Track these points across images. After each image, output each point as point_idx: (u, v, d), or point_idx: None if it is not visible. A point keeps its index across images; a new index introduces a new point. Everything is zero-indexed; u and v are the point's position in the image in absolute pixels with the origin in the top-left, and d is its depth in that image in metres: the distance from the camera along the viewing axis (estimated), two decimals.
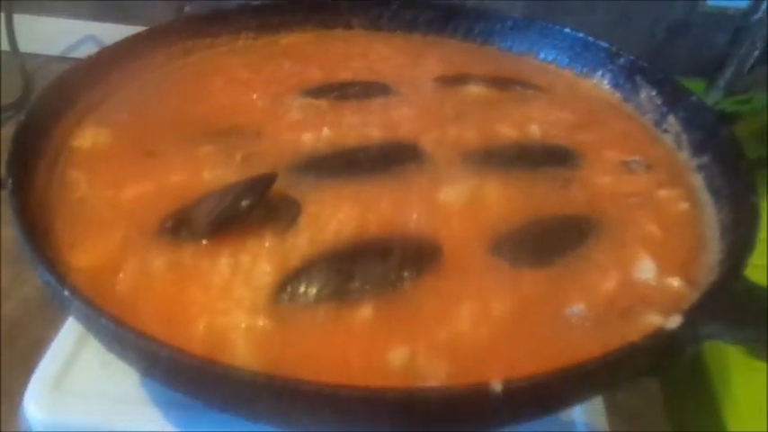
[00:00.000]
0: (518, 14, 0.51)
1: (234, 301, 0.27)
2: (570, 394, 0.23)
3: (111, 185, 0.32)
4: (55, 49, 0.76)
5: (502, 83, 0.44)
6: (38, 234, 0.27)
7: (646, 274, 0.29)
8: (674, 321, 0.24)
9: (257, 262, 0.29)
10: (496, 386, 0.20)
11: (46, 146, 0.33)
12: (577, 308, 0.27)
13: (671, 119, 0.39)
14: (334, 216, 0.31)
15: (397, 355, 0.25)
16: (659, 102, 0.40)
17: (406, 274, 0.28)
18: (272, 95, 0.41)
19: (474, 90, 0.43)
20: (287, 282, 0.28)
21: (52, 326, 0.40)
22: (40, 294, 0.46)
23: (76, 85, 0.37)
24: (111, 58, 0.41)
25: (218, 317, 0.26)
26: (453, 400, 0.20)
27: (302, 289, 0.27)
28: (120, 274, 0.27)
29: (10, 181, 0.27)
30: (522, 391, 0.21)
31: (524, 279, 0.29)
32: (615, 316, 0.27)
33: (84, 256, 0.28)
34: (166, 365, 0.21)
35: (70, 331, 0.35)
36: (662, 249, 0.31)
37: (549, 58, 0.47)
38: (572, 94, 0.44)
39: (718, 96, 0.60)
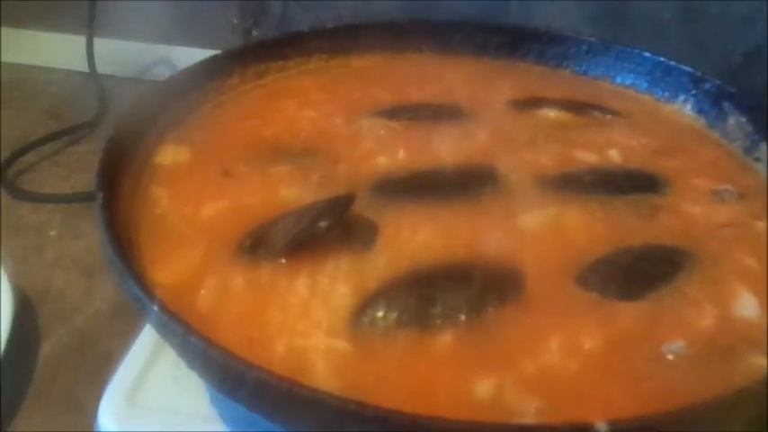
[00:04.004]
0: (585, 37, 0.49)
1: (312, 322, 0.26)
2: None
3: (190, 202, 0.33)
4: (129, 71, 0.79)
5: (578, 107, 0.43)
6: (123, 248, 0.27)
7: (747, 312, 0.27)
8: None
9: (335, 283, 0.28)
10: (601, 428, 0.19)
11: (131, 162, 0.34)
12: (676, 345, 0.25)
13: (763, 147, 0.37)
14: (412, 239, 0.31)
15: (483, 387, 0.24)
16: (750, 129, 0.38)
17: (488, 301, 0.27)
18: (345, 116, 0.41)
19: (549, 114, 0.42)
20: (366, 305, 0.27)
21: (121, 339, 0.41)
22: (110, 308, 0.47)
23: (159, 104, 0.38)
24: (190, 79, 0.41)
25: (298, 338, 0.26)
26: None
27: (382, 313, 0.27)
28: (202, 291, 0.27)
29: (100, 195, 0.28)
30: None
31: (615, 312, 0.27)
32: (716, 355, 0.25)
33: (166, 271, 0.28)
34: (252, 387, 0.21)
35: (143, 345, 0.35)
36: (762, 285, 0.29)
37: (627, 82, 0.46)
38: (653, 120, 0.42)
39: None
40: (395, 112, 0.41)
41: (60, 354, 0.44)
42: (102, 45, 0.75)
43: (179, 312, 0.24)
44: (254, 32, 0.76)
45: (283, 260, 0.29)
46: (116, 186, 0.31)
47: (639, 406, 0.22)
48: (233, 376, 0.21)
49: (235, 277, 0.28)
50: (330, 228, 0.29)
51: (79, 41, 0.74)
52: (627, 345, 0.25)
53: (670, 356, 0.25)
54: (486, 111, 0.43)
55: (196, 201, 0.33)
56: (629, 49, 0.46)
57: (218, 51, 0.46)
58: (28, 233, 0.54)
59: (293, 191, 0.34)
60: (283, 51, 0.47)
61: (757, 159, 0.37)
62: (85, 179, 0.61)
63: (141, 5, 0.76)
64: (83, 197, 0.57)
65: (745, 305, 0.27)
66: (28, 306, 0.47)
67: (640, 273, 0.29)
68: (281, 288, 0.28)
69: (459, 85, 0.46)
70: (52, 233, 0.55)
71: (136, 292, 0.24)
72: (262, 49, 0.47)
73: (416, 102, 0.43)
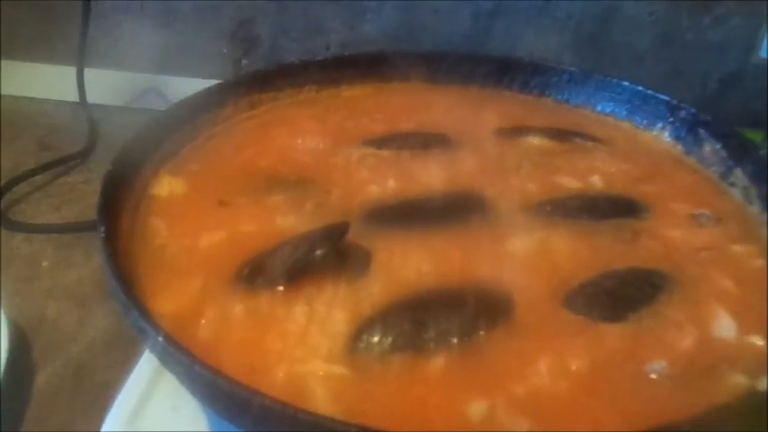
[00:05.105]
0: (566, 66, 0.51)
1: (311, 349, 0.27)
2: None
3: (188, 233, 0.34)
4: (119, 100, 0.80)
5: (561, 135, 0.45)
6: (125, 280, 0.28)
7: (725, 332, 0.29)
8: (765, 382, 0.23)
9: (331, 310, 0.29)
10: None
11: (128, 195, 0.35)
12: (658, 365, 0.26)
13: (738, 173, 0.39)
14: (404, 265, 0.32)
15: (476, 409, 0.25)
16: (725, 155, 0.40)
17: (479, 325, 0.28)
18: (336, 146, 0.42)
19: (534, 142, 0.44)
20: (362, 331, 0.28)
21: (117, 369, 0.41)
22: (105, 338, 0.47)
23: (155, 136, 0.39)
24: (185, 111, 0.42)
25: (297, 364, 0.26)
26: None
27: (377, 338, 0.28)
28: (203, 321, 0.28)
29: (102, 229, 0.29)
30: None
31: (600, 334, 0.28)
32: (697, 375, 0.27)
33: (167, 302, 0.29)
34: (257, 413, 0.21)
35: (141, 375, 0.35)
36: (739, 306, 0.30)
37: (607, 110, 0.47)
38: (632, 146, 0.44)
39: None
40: (385, 142, 0.43)
41: (56, 385, 0.44)
42: (92, 75, 0.76)
43: (181, 342, 0.25)
44: (244, 62, 0.78)
45: (281, 288, 0.30)
46: (115, 219, 0.32)
47: (625, 425, 0.23)
48: (238, 403, 0.22)
49: (234, 306, 0.29)
50: (326, 256, 0.30)
51: (69, 72, 0.75)
52: (612, 365, 0.27)
53: (653, 376, 0.26)
54: (473, 139, 0.44)
55: (194, 231, 0.34)
56: (608, 78, 0.47)
57: (207, 80, 0.47)
58: (20, 264, 0.55)
59: (288, 220, 0.35)
60: (275, 82, 0.48)
61: (732, 184, 0.39)
62: (77, 209, 0.62)
63: (131, 35, 0.78)
64: (75, 228, 0.58)
65: (724, 326, 0.29)
66: (22, 337, 0.47)
67: (624, 295, 0.30)
68: (279, 316, 0.29)
69: (447, 113, 0.47)
70: (44, 264, 0.55)
71: (140, 325, 0.24)
72: (254, 80, 0.48)
73: (406, 131, 0.45)
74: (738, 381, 0.26)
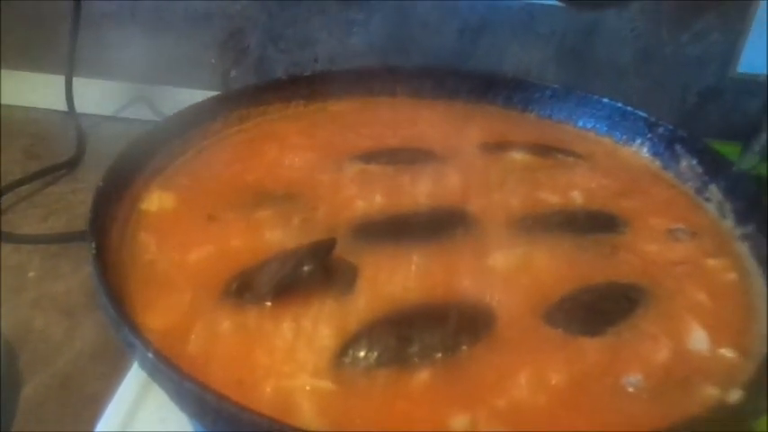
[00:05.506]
0: (550, 79, 0.52)
1: (298, 364, 0.28)
2: None
3: (177, 248, 0.34)
4: (107, 110, 0.80)
5: (543, 150, 0.46)
6: (115, 295, 0.28)
7: (699, 345, 0.30)
8: (735, 395, 0.25)
9: (318, 326, 0.30)
10: None
11: (119, 209, 0.35)
12: (634, 378, 0.27)
13: (713, 188, 0.40)
14: (390, 280, 0.33)
15: (458, 422, 0.26)
16: (700, 171, 0.41)
17: (462, 340, 0.29)
18: (324, 161, 0.43)
19: (517, 157, 0.45)
20: (348, 346, 0.29)
21: (105, 380, 0.41)
22: (92, 349, 0.48)
23: (145, 151, 0.40)
24: (175, 126, 0.43)
25: (284, 379, 0.27)
26: None
27: (363, 353, 0.28)
28: (192, 335, 0.29)
29: (92, 245, 0.29)
30: None
31: (579, 348, 0.29)
32: (672, 387, 0.28)
33: (157, 317, 0.29)
34: (245, 428, 0.22)
35: (130, 387, 0.36)
36: (713, 319, 0.31)
37: (588, 125, 0.49)
38: (612, 162, 0.45)
39: (754, 161, 0.60)
40: (372, 157, 0.44)
41: (43, 396, 0.44)
42: (81, 84, 0.76)
43: (171, 356, 0.26)
44: (233, 72, 0.79)
45: (269, 304, 0.30)
46: (105, 234, 0.32)
47: None
48: (226, 418, 0.23)
49: (222, 321, 0.30)
50: (313, 272, 0.31)
51: (57, 80, 0.75)
52: (590, 379, 0.28)
53: (630, 389, 0.27)
54: (458, 154, 0.45)
55: (183, 246, 0.34)
56: (588, 95, 0.49)
57: (197, 91, 0.47)
58: (6, 275, 0.54)
59: (276, 235, 0.36)
60: (264, 97, 0.49)
61: (707, 199, 0.40)
62: (64, 219, 0.62)
63: (120, 45, 0.78)
64: (62, 238, 0.58)
65: (697, 339, 0.30)
66: (9, 348, 0.47)
67: (602, 309, 0.31)
68: (267, 331, 0.29)
69: (433, 128, 0.48)
70: (31, 274, 0.55)
71: (131, 340, 0.25)
72: (243, 94, 0.48)
73: (392, 146, 0.45)
74: (711, 392, 0.27)
